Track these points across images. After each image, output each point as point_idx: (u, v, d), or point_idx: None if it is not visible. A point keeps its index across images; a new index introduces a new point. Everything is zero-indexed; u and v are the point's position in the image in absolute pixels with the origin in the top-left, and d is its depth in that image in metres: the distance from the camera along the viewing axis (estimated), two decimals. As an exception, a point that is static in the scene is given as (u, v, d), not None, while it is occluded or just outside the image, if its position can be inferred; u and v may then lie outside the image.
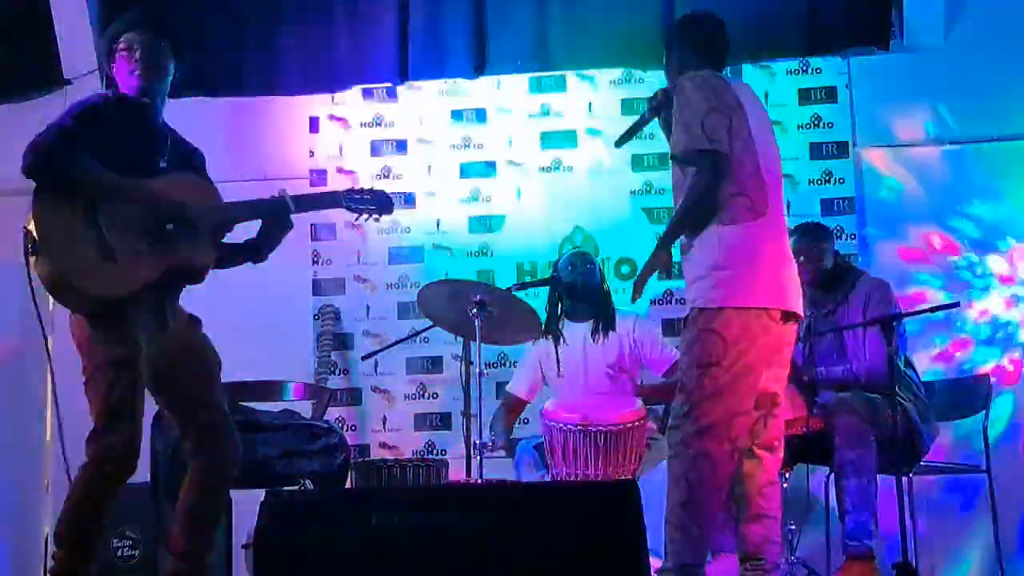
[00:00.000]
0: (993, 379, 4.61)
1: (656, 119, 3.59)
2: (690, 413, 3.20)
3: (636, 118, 3.67)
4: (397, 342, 4.98)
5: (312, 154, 5.54)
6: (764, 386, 3.29)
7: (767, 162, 3.34)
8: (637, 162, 5.33)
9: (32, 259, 3.03)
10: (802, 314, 3.40)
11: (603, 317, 4.60)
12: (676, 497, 3.19)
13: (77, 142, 3.07)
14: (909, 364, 4.30)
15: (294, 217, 3.43)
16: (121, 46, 3.30)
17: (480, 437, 4.06)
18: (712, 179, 3.23)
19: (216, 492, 3.35)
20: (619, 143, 3.67)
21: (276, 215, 3.40)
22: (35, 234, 3.01)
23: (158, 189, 3.20)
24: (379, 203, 3.56)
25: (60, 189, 3.05)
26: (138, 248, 3.12)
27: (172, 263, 3.19)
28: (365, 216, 3.55)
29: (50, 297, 3.11)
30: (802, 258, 4.23)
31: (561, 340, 4.62)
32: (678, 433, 3.23)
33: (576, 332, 4.64)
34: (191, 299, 3.37)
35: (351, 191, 3.57)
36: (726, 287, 3.19)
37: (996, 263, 5.11)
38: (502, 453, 4.67)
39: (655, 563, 3.17)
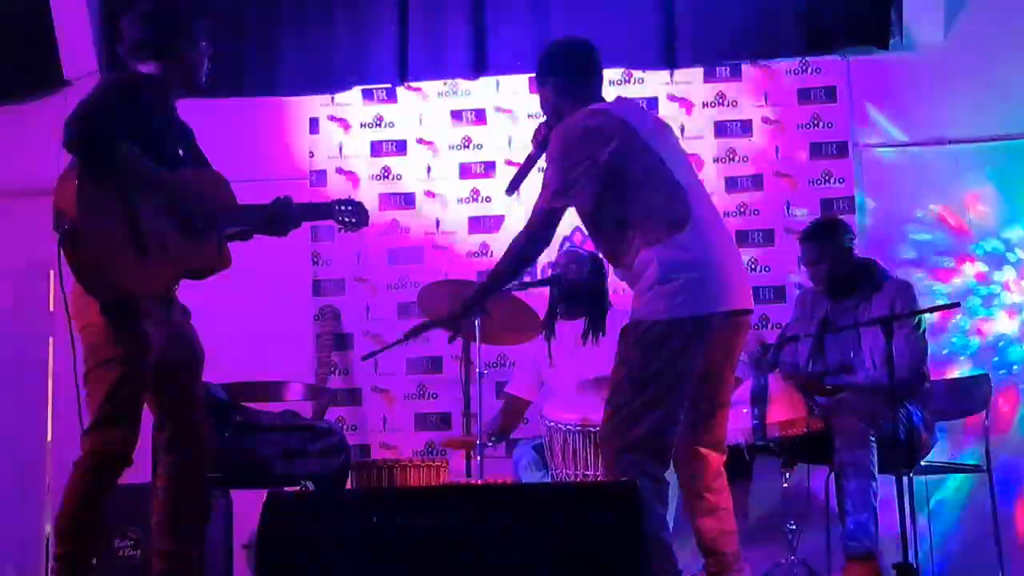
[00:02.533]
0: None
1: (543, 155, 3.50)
2: (620, 426, 3.16)
3: (523, 161, 3.59)
4: (397, 342, 4.98)
5: (312, 155, 5.53)
6: (705, 389, 3.26)
7: (678, 168, 3.30)
8: (637, 162, 5.32)
9: (66, 242, 2.94)
10: (750, 306, 3.34)
11: (592, 318, 4.56)
12: None
13: (118, 118, 3.02)
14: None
15: None
16: (197, 46, 3.30)
17: (480, 438, 4.06)
18: (545, 236, 3.33)
19: (193, 488, 3.30)
20: (510, 190, 3.65)
21: (282, 222, 3.43)
22: (71, 213, 2.93)
23: (189, 183, 3.21)
24: (359, 216, 3.60)
25: (99, 166, 2.99)
26: (167, 244, 3.11)
27: (194, 264, 3.21)
28: (346, 229, 3.61)
29: (51, 298, 3.11)
30: (816, 260, 4.26)
31: (552, 337, 4.61)
32: (610, 446, 3.20)
33: (567, 331, 4.62)
34: (192, 300, 3.37)
35: (340, 202, 3.61)
36: (665, 300, 3.15)
37: (993, 260, 5.11)
38: (503, 453, 4.66)
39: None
